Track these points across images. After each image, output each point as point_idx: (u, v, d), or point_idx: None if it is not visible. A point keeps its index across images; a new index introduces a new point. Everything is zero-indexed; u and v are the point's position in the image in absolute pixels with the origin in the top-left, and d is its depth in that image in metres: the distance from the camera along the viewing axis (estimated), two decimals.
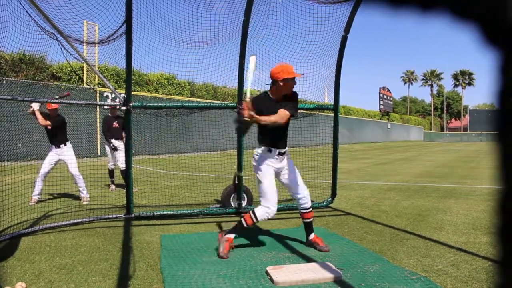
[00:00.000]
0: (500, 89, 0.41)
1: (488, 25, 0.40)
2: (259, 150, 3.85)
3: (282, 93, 3.80)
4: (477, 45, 0.41)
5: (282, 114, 3.65)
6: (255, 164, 3.85)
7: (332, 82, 5.94)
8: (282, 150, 3.84)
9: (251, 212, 3.81)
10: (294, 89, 3.91)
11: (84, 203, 6.34)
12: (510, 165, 0.42)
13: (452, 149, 31.48)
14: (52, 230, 4.58)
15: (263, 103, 3.78)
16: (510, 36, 0.40)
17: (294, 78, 3.79)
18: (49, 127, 6.39)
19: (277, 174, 3.93)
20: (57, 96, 6.10)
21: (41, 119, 6.21)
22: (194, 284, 2.97)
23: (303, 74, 4.07)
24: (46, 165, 6.32)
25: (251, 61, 3.96)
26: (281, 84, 3.73)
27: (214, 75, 5.49)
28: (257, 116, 3.50)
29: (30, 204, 6.08)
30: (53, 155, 6.38)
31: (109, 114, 8.15)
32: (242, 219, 3.82)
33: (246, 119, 3.45)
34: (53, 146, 6.39)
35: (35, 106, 6.14)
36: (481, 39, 0.41)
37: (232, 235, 3.81)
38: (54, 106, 6.35)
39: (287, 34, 5.34)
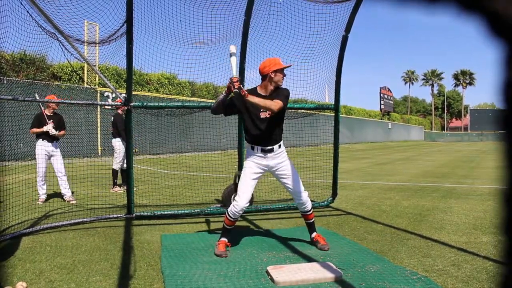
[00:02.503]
0: (504, 82, 0.41)
1: (493, 17, 0.40)
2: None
3: (273, 86, 3.83)
4: (483, 38, 0.41)
5: (275, 103, 3.67)
6: None
7: (332, 81, 5.94)
8: (266, 148, 3.84)
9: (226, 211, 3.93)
10: (291, 88, 3.97)
11: (73, 202, 6.35)
12: None
13: (453, 149, 31.46)
14: (53, 230, 4.58)
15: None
16: None
17: (283, 69, 3.84)
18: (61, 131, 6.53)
19: (272, 173, 3.98)
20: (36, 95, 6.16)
21: (61, 133, 6.49)
22: (195, 283, 2.97)
23: (291, 65, 4.10)
24: (43, 164, 6.32)
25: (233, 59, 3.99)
26: (272, 76, 3.77)
27: (214, 75, 5.50)
28: (249, 95, 3.58)
29: (39, 203, 6.14)
30: (44, 151, 6.35)
31: (119, 112, 7.71)
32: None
33: (236, 90, 3.55)
34: (44, 141, 6.35)
35: (52, 131, 6.33)
36: (486, 32, 0.41)
37: (223, 239, 3.88)
38: (54, 99, 6.43)
39: (288, 33, 5.34)
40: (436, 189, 8.14)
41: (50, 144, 6.41)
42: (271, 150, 3.84)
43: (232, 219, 3.85)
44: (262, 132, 3.82)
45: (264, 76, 3.82)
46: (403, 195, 7.37)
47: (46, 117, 6.34)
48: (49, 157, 6.44)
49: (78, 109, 12.87)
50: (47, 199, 6.41)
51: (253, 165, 3.85)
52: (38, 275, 3.14)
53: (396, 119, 59.52)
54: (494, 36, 0.41)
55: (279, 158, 3.89)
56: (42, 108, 6.40)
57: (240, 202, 3.76)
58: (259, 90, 3.87)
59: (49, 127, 6.30)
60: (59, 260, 3.53)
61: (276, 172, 3.92)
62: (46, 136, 6.35)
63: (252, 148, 3.88)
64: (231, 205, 3.83)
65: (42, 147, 6.35)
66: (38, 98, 5.99)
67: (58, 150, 6.53)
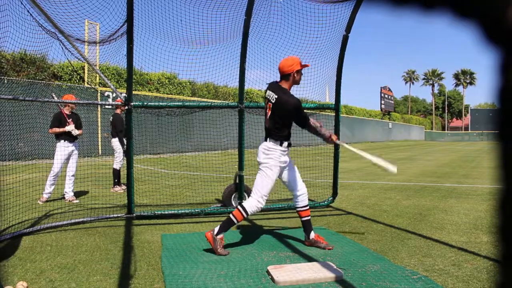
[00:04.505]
0: (500, 88, 0.41)
1: (489, 24, 0.40)
2: (271, 144, 3.85)
3: (294, 84, 3.89)
4: (478, 44, 0.41)
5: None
6: (266, 157, 3.84)
7: (333, 81, 5.94)
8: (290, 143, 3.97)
9: (239, 207, 3.84)
10: (292, 87, 4.00)
11: (76, 202, 6.35)
12: (510, 164, 0.42)
13: (453, 148, 31.44)
14: (53, 230, 4.58)
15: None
16: (510, 35, 0.40)
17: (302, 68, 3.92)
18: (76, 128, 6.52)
19: (282, 170, 3.97)
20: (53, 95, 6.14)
21: (79, 133, 6.49)
22: (195, 283, 2.97)
23: (309, 65, 4.13)
24: (60, 165, 6.31)
25: None
26: (296, 76, 3.84)
27: (215, 75, 5.50)
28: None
29: (39, 202, 6.13)
30: (66, 152, 6.36)
31: (118, 112, 7.74)
32: (231, 216, 3.80)
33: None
34: (66, 142, 6.35)
35: (75, 131, 6.35)
36: (482, 38, 0.41)
37: (222, 234, 3.79)
38: (72, 98, 6.42)
39: (288, 33, 5.34)
40: (437, 189, 8.14)
41: (71, 144, 6.42)
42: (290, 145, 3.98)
43: (246, 217, 3.89)
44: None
45: (287, 76, 3.83)
46: (403, 194, 7.37)
47: (66, 117, 6.34)
48: (68, 157, 6.45)
49: (78, 109, 12.80)
50: (47, 199, 6.41)
51: (280, 165, 3.90)
52: (38, 274, 3.14)
53: (397, 119, 59.48)
54: (489, 43, 0.41)
55: (288, 154, 4.02)
56: (61, 107, 6.40)
57: (263, 202, 3.86)
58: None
59: (71, 127, 6.29)
60: (60, 259, 3.53)
61: (286, 168, 3.99)
62: (67, 136, 6.35)
63: (281, 145, 3.91)
64: (255, 204, 3.81)
65: (65, 148, 6.34)
66: (56, 98, 5.99)
67: (77, 150, 6.55)
